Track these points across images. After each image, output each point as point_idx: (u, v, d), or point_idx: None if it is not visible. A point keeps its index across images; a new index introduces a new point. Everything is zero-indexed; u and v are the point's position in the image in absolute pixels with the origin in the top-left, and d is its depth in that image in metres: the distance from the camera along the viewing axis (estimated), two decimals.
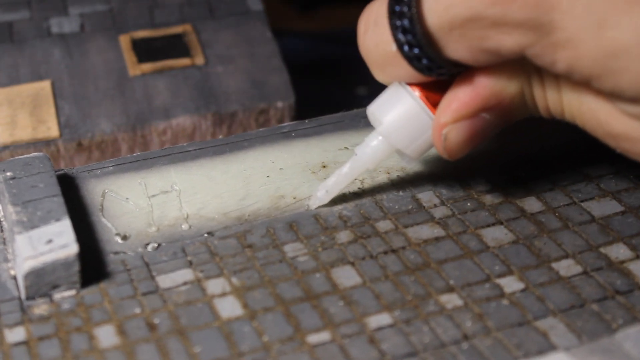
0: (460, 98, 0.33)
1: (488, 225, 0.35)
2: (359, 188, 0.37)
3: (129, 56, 0.50)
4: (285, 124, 0.42)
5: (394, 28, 0.32)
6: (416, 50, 0.31)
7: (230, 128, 0.50)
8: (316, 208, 0.36)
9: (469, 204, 0.36)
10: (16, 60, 0.49)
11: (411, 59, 0.32)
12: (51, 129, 0.47)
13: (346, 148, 0.40)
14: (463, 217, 0.36)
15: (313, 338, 0.30)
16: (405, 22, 0.31)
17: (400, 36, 0.31)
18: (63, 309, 0.31)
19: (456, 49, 0.31)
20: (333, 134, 0.41)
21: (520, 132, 0.40)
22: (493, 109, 0.33)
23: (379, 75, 0.34)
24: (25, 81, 0.49)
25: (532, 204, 0.36)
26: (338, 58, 0.69)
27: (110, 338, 0.30)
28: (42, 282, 0.32)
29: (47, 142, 0.47)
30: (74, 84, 0.49)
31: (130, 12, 0.52)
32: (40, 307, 0.31)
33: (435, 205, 0.36)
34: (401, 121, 0.34)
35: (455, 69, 0.32)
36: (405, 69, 0.32)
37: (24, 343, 0.30)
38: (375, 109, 0.35)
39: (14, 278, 0.33)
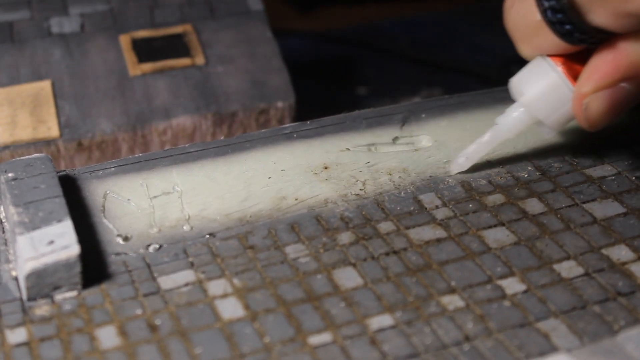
0: (601, 68, 0.33)
1: (490, 227, 0.35)
2: (360, 189, 0.37)
3: (129, 56, 0.50)
4: (287, 125, 0.42)
5: None
6: (560, 15, 0.32)
7: (231, 128, 0.50)
8: (456, 174, 0.38)
9: (470, 206, 0.36)
10: (16, 60, 0.49)
11: (554, 24, 0.33)
12: (51, 129, 0.47)
13: (348, 149, 0.40)
14: (465, 218, 0.36)
15: (314, 339, 0.30)
16: None
17: (545, 2, 0.32)
18: (64, 310, 0.31)
19: (599, 13, 0.31)
20: (335, 135, 0.41)
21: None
22: (633, 78, 0.33)
23: (524, 49, 0.35)
24: (25, 81, 0.49)
25: (533, 206, 0.36)
26: (338, 58, 0.69)
27: (111, 339, 0.30)
28: (43, 283, 0.32)
29: (47, 142, 0.47)
30: (74, 84, 0.49)
31: (130, 12, 0.52)
32: (42, 308, 0.31)
33: (436, 207, 0.36)
34: (543, 93, 0.35)
35: (598, 35, 0.33)
36: (550, 38, 0.33)
37: (26, 344, 0.30)
38: (518, 81, 0.36)
39: (16, 279, 0.33)
